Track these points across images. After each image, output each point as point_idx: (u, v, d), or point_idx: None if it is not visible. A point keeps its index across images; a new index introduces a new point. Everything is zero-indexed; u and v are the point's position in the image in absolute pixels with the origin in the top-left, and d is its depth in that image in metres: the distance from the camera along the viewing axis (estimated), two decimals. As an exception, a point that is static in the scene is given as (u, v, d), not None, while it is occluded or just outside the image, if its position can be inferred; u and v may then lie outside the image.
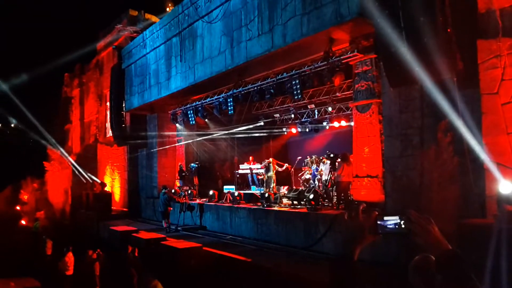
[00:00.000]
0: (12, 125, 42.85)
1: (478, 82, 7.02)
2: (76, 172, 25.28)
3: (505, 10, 6.66)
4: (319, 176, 13.54)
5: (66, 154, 27.54)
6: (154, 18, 20.75)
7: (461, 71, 6.97)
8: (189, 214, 14.80)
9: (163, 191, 14.95)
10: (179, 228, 14.53)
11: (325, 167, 13.06)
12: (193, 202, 15.34)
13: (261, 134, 18.32)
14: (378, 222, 1.55)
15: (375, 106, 9.74)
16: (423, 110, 8.14)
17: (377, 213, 1.57)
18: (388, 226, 1.55)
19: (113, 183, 23.68)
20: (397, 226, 1.54)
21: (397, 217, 1.55)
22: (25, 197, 30.08)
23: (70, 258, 11.24)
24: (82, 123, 28.98)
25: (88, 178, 24.32)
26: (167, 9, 15.37)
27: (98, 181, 23.59)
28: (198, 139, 18.19)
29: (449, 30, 6.75)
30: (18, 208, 28.53)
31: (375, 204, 9.68)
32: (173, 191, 16.32)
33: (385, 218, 1.55)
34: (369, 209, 1.63)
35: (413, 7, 6.87)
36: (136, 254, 9.99)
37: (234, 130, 16.94)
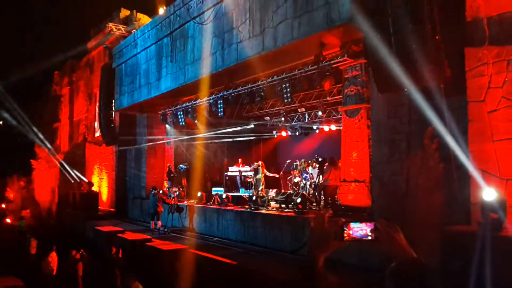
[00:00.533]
0: (0, 122, 42.34)
1: (465, 89, 7.07)
2: (64, 171, 25.03)
3: (492, 19, 6.72)
4: (310, 180, 13.55)
5: (54, 153, 27.27)
6: (146, 18, 20.67)
7: (449, 78, 7.02)
8: (178, 215, 14.70)
9: (153, 192, 14.80)
10: (166, 230, 14.42)
11: (313, 171, 13.08)
12: (181, 203, 15.22)
13: (251, 137, 18.30)
14: (345, 229, 1.54)
15: (364, 111, 9.78)
16: (411, 116, 8.18)
17: (343, 220, 1.56)
18: (354, 233, 1.54)
19: (101, 183, 23.47)
20: (363, 233, 1.53)
21: (363, 224, 1.54)
22: (11, 195, 29.70)
23: (53, 258, 11.09)
24: (71, 122, 28.72)
25: (76, 177, 24.08)
26: (159, 9, 15.27)
27: (86, 180, 23.36)
28: (183, 137, 18.10)
29: (437, 37, 6.81)
30: (3, 206, 28.14)
31: (362, 209, 9.72)
32: (161, 191, 16.20)
33: (352, 225, 1.54)
34: (335, 215, 1.63)
35: (402, 14, 6.92)
36: (120, 255, 9.88)
37: (225, 130, 16.86)
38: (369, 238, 1.52)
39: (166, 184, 17.81)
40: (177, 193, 16.38)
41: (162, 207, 14.58)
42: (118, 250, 10.19)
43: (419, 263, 1.44)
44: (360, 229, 1.53)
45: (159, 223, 14.50)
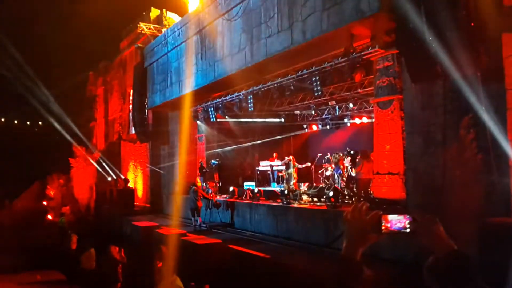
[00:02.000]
0: (40, 123, 44.13)
1: (503, 77, 6.83)
2: (100, 168, 25.84)
3: (531, 2, 6.45)
4: (341, 173, 13.43)
5: (91, 151, 28.18)
6: (175, 17, 20.96)
7: (485, 65, 6.80)
8: (216, 211, 14.74)
9: (192, 187, 14.81)
10: (205, 225, 14.42)
11: (346, 163, 12.97)
12: (219, 199, 15.28)
13: (280, 136, 18.33)
14: (382, 222, 1.53)
15: (397, 103, 9.58)
16: (446, 106, 7.97)
17: (381, 212, 1.55)
18: (392, 226, 1.53)
19: (136, 179, 24.08)
20: (401, 226, 1.51)
21: (402, 217, 1.52)
22: (51, 192, 30.95)
23: (92, 253, 11.50)
24: (106, 121, 29.57)
25: (112, 175, 24.81)
26: (189, 8, 15.49)
27: (122, 177, 24.04)
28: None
29: (472, 24, 6.60)
30: (44, 203, 29.40)
31: (396, 202, 9.55)
32: (202, 187, 16.24)
33: (390, 217, 1.53)
34: (373, 208, 1.62)
35: (435, 1, 6.75)
36: (123, 255, 10.10)
37: (257, 120, 16.90)
38: (407, 230, 1.51)
39: (198, 180, 18.08)
40: (215, 188, 16.44)
41: (201, 202, 14.60)
42: (120, 249, 10.36)
43: (462, 255, 1.42)
44: (398, 222, 1.51)
45: (199, 219, 14.52)
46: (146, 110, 19.71)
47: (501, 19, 6.79)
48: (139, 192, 23.44)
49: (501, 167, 7.01)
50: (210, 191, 15.80)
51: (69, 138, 28.45)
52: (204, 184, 16.43)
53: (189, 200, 14.72)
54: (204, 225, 14.37)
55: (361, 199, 11.08)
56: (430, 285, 2.09)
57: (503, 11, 6.75)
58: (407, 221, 1.51)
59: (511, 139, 6.75)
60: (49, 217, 25.65)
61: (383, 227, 1.52)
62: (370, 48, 9.68)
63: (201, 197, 14.55)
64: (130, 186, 22.93)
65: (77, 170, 30.66)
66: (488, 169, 7.30)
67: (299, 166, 14.71)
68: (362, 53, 9.81)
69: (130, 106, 22.89)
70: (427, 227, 1.49)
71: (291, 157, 14.78)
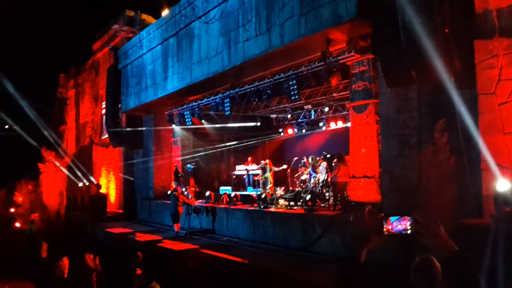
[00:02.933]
0: (6, 127, 42.56)
1: (475, 82, 7.05)
2: (71, 174, 25.14)
3: (502, 10, 6.69)
4: (316, 176, 13.50)
5: (61, 155, 27.39)
6: (150, 19, 20.69)
7: (458, 71, 7.00)
8: (195, 216, 14.34)
9: (173, 192, 14.32)
10: (182, 232, 13.94)
11: (321, 168, 13.04)
12: (198, 204, 14.89)
13: (257, 139, 18.32)
14: (384, 224, 1.52)
15: (372, 107, 9.75)
16: (420, 110, 8.15)
17: (383, 214, 1.54)
18: (393, 228, 1.52)
19: (109, 185, 23.55)
20: (402, 227, 1.51)
21: (403, 218, 1.51)
22: (19, 199, 29.83)
23: (65, 261, 11.13)
24: (77, 124, 28.84)
25: (83, 180, 24.19)
26: (164, 10, 15.30)
27: (94, 182, 23.46)
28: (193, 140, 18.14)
29: (446, 30, 6.78)
30: (12, 210, 28.30)
31: (372, 205, 9.68)
32: (184, 191, 15.80)
33: (391, 219, 1.52)
34: (375, 210, 1.60)
35: (411, 8, 6.89)
36: (98, 263, 9.84)
37: (233, 125, 16.79)
38: (409, 232, 1.50)
39: (173, 184, 17.84)
40: (194, 193, 15.99)
41: (182, 208, 14.12)
42: (95, 257, 10.07)
43: (463, 256, 1.42)
44: (399, 224, 1.50)
45: (177, 225, 14.03)
46: (120, 114, 19.33)
47: (473, 26, 7.01)
48: (112, 198, 22.92)
49: (474, 169, 7.21)
50: (189, 196, 15.42)
51: (38, 142, 27.57)
52: (184, 189, 16.03)
53: (170, 206, 14.24)
54: (184, 231, 13.99)
55: (337, 202, 11.18)
56: (417, 284, 2.10)
57: (475, 19, 6.97)
58: (408, 223, 1.50)
59: (482, 142, 6.95)
60: (17, 224, 24.69)
61: (384, 229, 1.51)
62: (346, 53, 9.84)
63: (182, 203, 14.11)
64: (103, 192, 22.39)
65: (46, 175, 29.69)
66: (461, 172, 7.50)
67: (276, 169, 14.72)
68: (339, 57, 9.96)
69: (103, 110, 22.41)
70: (428, 228, 1.49)
71: (267, 160, 14.78)
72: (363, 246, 1.52)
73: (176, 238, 13.10)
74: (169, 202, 16.74)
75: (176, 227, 13.98)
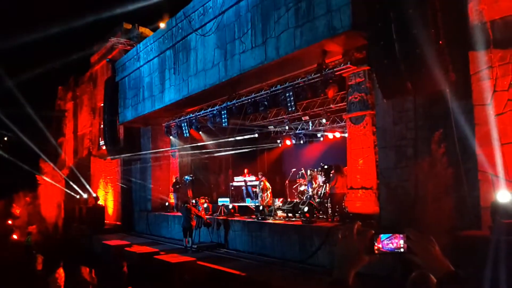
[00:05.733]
0: (5, 139, 42.48)
1: (470, 93, 7.05)
2: (69, 185, 25.04)
3: (495, 22, 6.72)
4: (315, 188, 13.42)
5: (59, 167, 27.30)
6: (148, 31, 20.79)
7: (454, 82, 7.01)
8: (206, 230, 13.70)
9: (185, 205, 13.42)
10: (194, 247, 13.09)
11: (319, 179, 13.00)
12: (209, 217, 14.12)
13: (255, 147, 18.28)
14: (375, 242, 1.46)
15: (369, 118, 9.75)
16: (417, 121, 8.15)
17: (373, 232, 1.48)
18: (384, 246, 1.46)
19: (106, 197, 23.45)
20: (394, 246, 1.45)
21: (394, 236, 1.45)
22: (17, 211, 29.74)
23: (61, 274, 11.05)
24: (75, 136, 28.80)
25: (81, 192, 24.08)
26: (161, 23, 15.38)
27: (92, 194, 23.36)
28: (191, 151, 18.09)
29: (441, 42, 6.80)
30: (10, 222, 28.16)
31: (370, 216, 9.63)
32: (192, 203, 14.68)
33: (382, 237, 1.46)
34: (365, 227, 1.55)
35: (405, 20, 6.93)
36: (94, 275, 9.76)
37: (230, 139, 16.70)
38: (402, 250, 1.44)
39: (172, 196, 17.76)
40: (205, 205, 15.24)
41: (195, 221, 13.30)
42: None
43: (461, 277, 1.36)
44: (390, 242, 1.44)
45: (186, 240, 13.18)
46: (118, 126, 19.31)
47: (468, 38, 7.04)
48: (110, 210, 22.80)
49: (471, 180, 7.18)
50: (200, 209, 14.69)
51: (36, 154, 27.48)
52: (194, 201, 15.19)
53: (181, 219, 13.42)
54: (195, 246, 13.16)
55: (335, 213, 11.12)
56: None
57: (469, 31, 7.00)
58: (401, 241, 1.44)
59: (479, 153, 6.93)
60: (15, 236, 24.55)
61: (375, 248, 1.45)
62: (342, 65, 9.86)
63: (194, 216, 13.28)
64: (100, 204, 22.29)
65: (44, 187, 29.61)
66: (459, 183, 7.47)
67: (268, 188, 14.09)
68: (335, 69, 9.99)
69: (101, 121, 22.39)
70: (422, 246, 1.43)
71: (263, 177, 14.37)
72: (351, 266, 1.47)
73: (191, 253, 12.46)
74: (168, 214, 16.76)
75: (186, 242, 13.17)
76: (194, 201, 15.28)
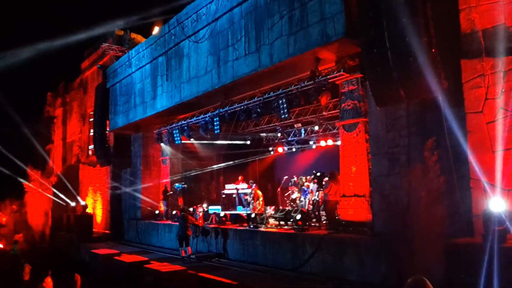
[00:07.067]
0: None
1: (463, 101, 7.12)
2: (57, 193, 24.68)
3: (487, 31, 6.81)
4: (308, 195, 13.40)
5: (47, 175, 26.92)
6: (140, 38, 20.74)
7: (446, 90, 7.07)
8: (202, 239, 13.27)
9: (182, 213, 12.97)
10: (192, 257, 12.52)
11: (313, 187, 12.98)
12: (207, 226, 13.67)
13: (248, 153, 18.23)
14: None
15: (362, 125, 9.77)
16: (410, 128, 8.19)
17: None
18: None
19: (95, 205, 23.15)
20: None
21: None
22: (3, 219, 29.14)
23: (48, 283, 10.81)
24: (64, 143, 28.48)
25: (69, 200, 23.74)
26: (154, 29, 15.35)
27: (81, 202, 23.04)
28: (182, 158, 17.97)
29: (433, 50, 6.87)
30: (-5, 230, 27.59)
31: (363, 224, 9.62)
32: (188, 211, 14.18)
33: None
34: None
35: (398, 28, 6.99)
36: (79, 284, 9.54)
37: (222, 142, 16.62)
38: None
39: (162, 204, 17.58)
40: (202, 213, 14.73)
41: (191, 230, 12.86)
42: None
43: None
44: None
45: (189, 249, 12.59)
46: (108, 132, 19.15)
47: (460, 46, 7.12)
48: (98, 218, 22.50)
49: (463, 188, 7.22)
50: (198, 217, 14.26)
51: (23, 161, 27.08)
52: (191, 209, 14.84)
53: (172, 227, 13.12)
54: (193, 257, 12.57)
55: (330, 221, 11.08)
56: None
57: (462, 39, 7.08)
58: None
59: (471, 161, 6.97)
60: (0, 245, 24.02)
61: None
62: (335, 72, 9.91)
63: (190, 224, 12.84)
64: (89, 212, 21.98)
65: (31, 195, 29.12)
66: (451, 190, 7.50)
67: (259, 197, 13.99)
68: (328, 76, 10.03)
69: (91, 128, 22.18)
70: None
71: (254, 185, 14.24)
72: None
73: (189, 264, 11.91)
74: (158, 222, 16.57)
75: (183, 252, 12.60)
76: (191, 209, 14.95)
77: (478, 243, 6.48)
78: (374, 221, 8.95)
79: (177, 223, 13.78)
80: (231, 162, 17.85)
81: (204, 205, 15.82)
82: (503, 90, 6.69)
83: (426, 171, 7.89)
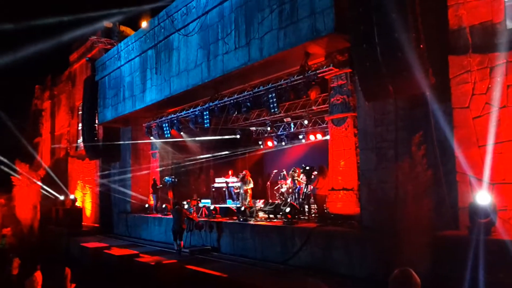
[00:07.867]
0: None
1: (450, 96, 7.23)
2: (45, 187, 24.49)
3: (474, 27, 6.91)
4: (298, 188, 13.49)
5: (35, 168, 26.66)
6: (129, 30, 20.55)
7: (434, 85, 7.16)
8: (198, 233, 13.11)
9: (176, 207, 12.95)
10: (185, 251, 12.54)
11: (302, 180, 13.07)
12: (202, 219, 13.53)
13: (238, 147, 18.26)
14: None
15: (351, 120, 9.85)
16: (397, 123, 8.29)
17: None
18: None
19: (84, 198, 23.02)
20: None
21: None
22: (-10, 213, 28.83)
23: (37, 277, 10.76)
24: (52, 136, 28.18)
25: (56, 195, 23.58)
26: (143, 22, 15.21)
27: (70, 195, 22.89)
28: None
29: (421, 46, 6.94)
30: (-18, 225, 27.29)
31: (351, 217, 9.74)
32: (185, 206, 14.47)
33: None
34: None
35: (387, 23, 7.04)
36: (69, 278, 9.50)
37: (211, 138, 16.62)
38: None
39: (151, 198, 17.55)
40: (195, 207, 14.63)
41: (185, 224, 12.73)
42: None
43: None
44: None
45: (181, 243, 12.63)
46: (97, 126, 19.01)
47: (447, 42, 7.21)
48: (88, 212, 22.39)
49: (450, 181, 7.35)
50: (192, 210, 14.23)
51: (11, 154, 26.75)
52: (185, 203, 14.78)
53: (172, 221, 12.87)
54: (186, 250, 12.58)
55: (317, 214, 11.20)
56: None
57: (449, 35, 7.17)
58: None
59: (458, 155, 7.10)
60: (-13, 239, 23.80)
61: None
62: (325, 67, 9.96)
63: (185, 218, 12.74)
64: (78, 205, 21.85)
65: (19, 188, 28.80)
66: (438, 184, 7.63)
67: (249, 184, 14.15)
68: (317, 71, 10.07)
69: (79, 122, 21.99)
70: None
71: (244, 172, 14.60)
72: None
73: (181, 258, 11.92)
74: (147, 215, 16.56)
75: (176, 245, 12.62)
76: (185, 202, 14.89)
77: (464, 236, 6.63)
78: (362, 214, 9.07)
79: (167, 217, 13.87)
80: (221, 154, 17.87)
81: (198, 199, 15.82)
82: (490, 86, 6.81)
83: (413, 165, 8.01)
